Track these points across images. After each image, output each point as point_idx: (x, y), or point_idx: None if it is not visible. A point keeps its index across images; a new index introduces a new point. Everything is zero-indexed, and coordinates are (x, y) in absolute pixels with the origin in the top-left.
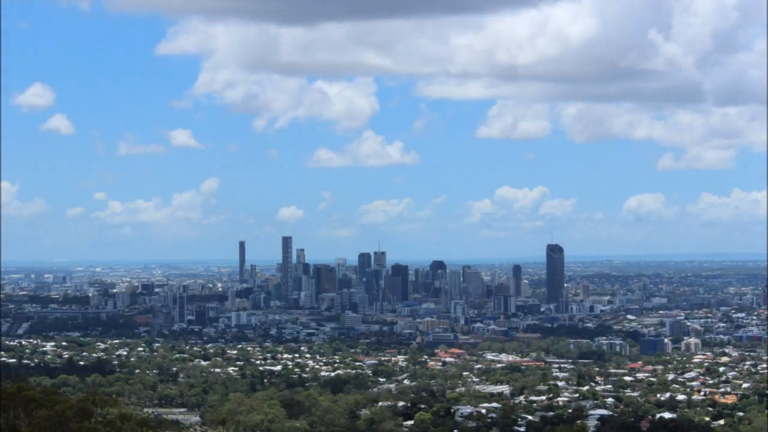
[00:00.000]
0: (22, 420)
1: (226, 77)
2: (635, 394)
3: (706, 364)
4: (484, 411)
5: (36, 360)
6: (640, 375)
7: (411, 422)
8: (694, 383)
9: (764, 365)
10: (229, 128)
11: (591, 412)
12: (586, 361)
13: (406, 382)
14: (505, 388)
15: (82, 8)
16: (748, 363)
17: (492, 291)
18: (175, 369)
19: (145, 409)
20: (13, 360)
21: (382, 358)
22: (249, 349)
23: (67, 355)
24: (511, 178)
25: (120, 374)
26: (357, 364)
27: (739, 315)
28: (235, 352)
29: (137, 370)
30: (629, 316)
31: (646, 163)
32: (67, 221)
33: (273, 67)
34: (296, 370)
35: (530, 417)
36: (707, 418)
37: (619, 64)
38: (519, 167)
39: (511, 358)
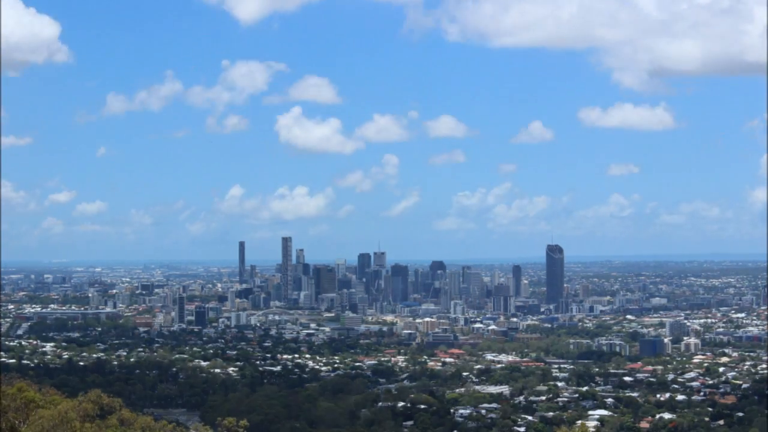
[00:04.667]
0: (22, 421)
1: None
2: (635, 394)
3: (705, 365)
4: (483, 411)
5: (36, 360)
6: (639, 375)
7: (411, 422)
8: (693, 383)
9: (764, 365)
10: None
11: (591, 412)
12: (586, 361)
13: (406, 382)
14: (504, 389)
15: None
16: (747, 363)
17: (492, 291)
18: (174, 369)
19: (145, 410)
20: (13, 360)
21: (382, 359)
22: (249, 349)
23: (66, 356)
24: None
25: (120, 374)
26: (357, 364)
27: (739, 315)
28: (234, 352)
29: (137, 371)
30: (629, 317)
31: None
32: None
33: None
34: (296, 370)
35: (530, 417)
36: (707, 419)
37: None
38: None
39: (510, 358)
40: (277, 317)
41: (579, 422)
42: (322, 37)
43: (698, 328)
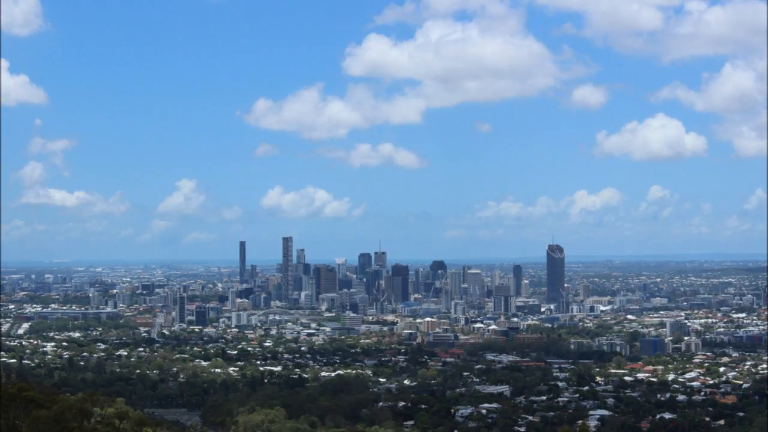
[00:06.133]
0: (22, 420)
1: None
2: (635, 394)
3: (706, 365)
4: (484, 411)
5: (36, 360)
6: (640, 375)
7: (411, 422)
8: (694, 383)
9: (764, 365)
10: None
11: (591, 412)
12: (587, 361)
13: (406, 382)
14: (505, 389)
15: None
16: (748, 363)
17: (492, 291)
18: (175, 369)
19: (145, 410)
20: (14, 360)
21: (382, 358)
22: (249, 349)
23: (67, 356)
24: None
25: (120, 374)
26: (357, 364)
27: (740, 315)
28: (235, 352)
29: (137, 371)
30: (629, 317)
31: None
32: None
33: None
34: (296, 370)
35: (530, 417)
36: (707, 419)
37: None
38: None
39: (511, 358)
40: (277, 317)
41: (579, 422)
42: None
43: (698, 328)
